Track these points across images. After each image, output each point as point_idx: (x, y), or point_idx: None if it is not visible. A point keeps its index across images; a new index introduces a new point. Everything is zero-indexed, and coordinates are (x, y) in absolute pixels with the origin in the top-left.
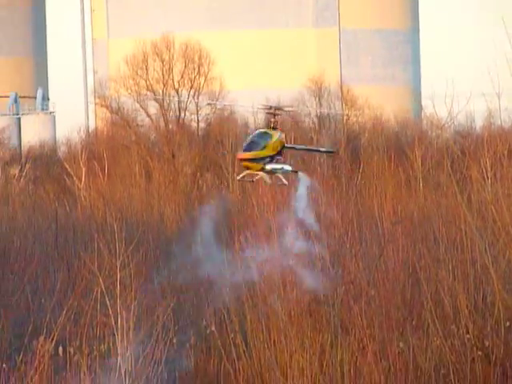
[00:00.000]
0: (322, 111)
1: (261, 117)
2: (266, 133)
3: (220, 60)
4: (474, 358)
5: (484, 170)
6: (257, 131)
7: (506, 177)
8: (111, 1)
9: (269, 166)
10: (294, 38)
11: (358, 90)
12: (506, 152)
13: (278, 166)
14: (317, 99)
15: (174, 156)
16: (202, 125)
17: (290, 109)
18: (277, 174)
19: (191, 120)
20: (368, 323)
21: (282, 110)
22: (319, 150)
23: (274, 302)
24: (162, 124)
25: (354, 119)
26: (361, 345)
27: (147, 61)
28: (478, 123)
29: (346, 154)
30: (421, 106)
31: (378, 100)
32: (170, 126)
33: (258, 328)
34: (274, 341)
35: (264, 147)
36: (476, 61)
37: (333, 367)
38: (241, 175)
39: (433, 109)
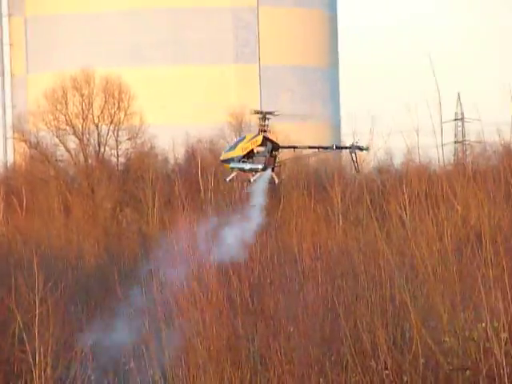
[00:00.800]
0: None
1: (180, 151)
2: (243, 137)
3: (140, 95)
4: None
5: (403, 207)
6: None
7: (423, 213)
8: (30, 35)
9: (237, 166)
10: (214, 73)
11: (278, 127)
12: (424, 188)
13: (246, 166)
14: (237, 134)
15: (93, 191)
16: (121, 160)
17: (278, 113)
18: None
19: (111, 155)
20: (287, 359)
21: (271, 114)
22: (322, 147)
23: (193, 337)
24: (82, 159)
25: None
26: (280, 381)
27: (66, 95)
28: (397, 160)
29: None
30: (340, 142)
31: (298, 136)
32: (90, 161)
33: (177, 364)
34: (194, 376)
35: (234, 149)
36: (395, 98)
37: None
38: (229, 177)
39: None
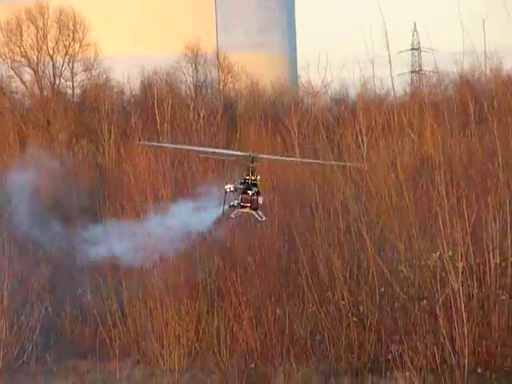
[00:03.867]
0: (199, 78)
1: (136, 83)
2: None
3: (95, 26)
4: (349, 324)
5: (359, 138)
6: None
7: (379, 144)
8: None
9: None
10: (170, 4)
11: (234, 57)
12: (380, 120)
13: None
14: (193, 66)
15: (49, 123)
16: (77, 91)
17: (267, 156)
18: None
19: (66, 87)
20: (244, 290)
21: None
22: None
23: (150, 269)
24: (37, 91)
25: (231, 86)
26: (236, 312)
27: (21, 27)
28: (353, 91)
29: (223, 122)
30: (297, 73)
31: (255, 67)
32: (45, 93)
33: (134, 296)
34: (151, 309)
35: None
36: (351, 29)
37: (209, 334)
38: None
39: (308, 77)
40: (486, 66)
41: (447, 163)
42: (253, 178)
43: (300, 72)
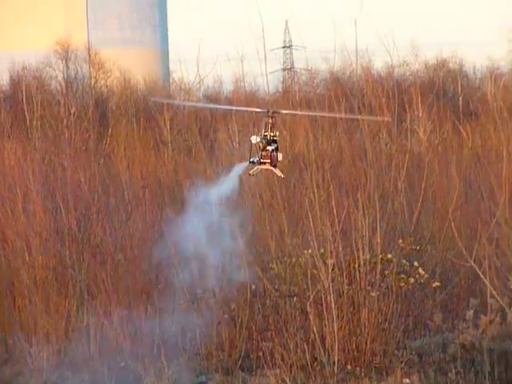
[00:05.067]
0: (69, 74)
1: (5, 78)
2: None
3: None
4: (220, 321)
5: (232, 134)
6: None
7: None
8: None
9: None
10: None
11: (105, 53)
12: (252, 116)
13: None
14: (64, 62)
15: None
16: None
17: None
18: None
19: None
20: (114, 288)
21: (277, 112)
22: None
23: (19, 266)
24: None
25: (103, 82)
26: (107, 310)
27: None
28: (226, 87)
29: (94, 118)
30: (169, 69)
31: (127, 63)
32: None
33: (1, 293)
34: (19, 306)
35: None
36: (225, 26)
37: (78, 332)
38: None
39: (181, 72)
40: (357, 64)
41: (318, 160)
42: (272, 134)
43: (172, 68)
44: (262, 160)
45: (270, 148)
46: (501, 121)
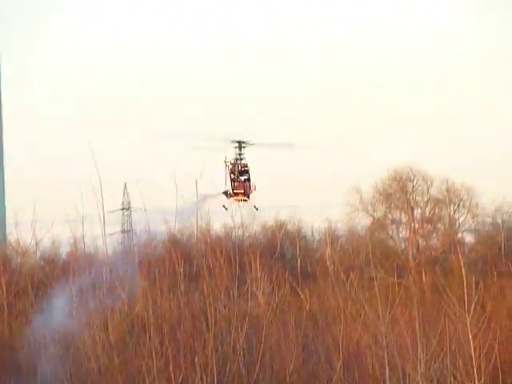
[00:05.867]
0: None
1: None
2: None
3: None
4: None
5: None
6: None
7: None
8: None
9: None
10: None
11: None
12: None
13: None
14: None
15: None
16: None
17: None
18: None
19: None
20: None
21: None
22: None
23: None
24: None
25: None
26: None
27: None
28: (64, 249)
29: None
30: (5, 232)
31: None
32: None
33: None
34: None
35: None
36: (63, 189)
37: None
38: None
39: (17, 235)
40: (197, 229)
41: (157, 323)
42: (242, 164)
43: (9, 230)
44: (235, 190)
45: (242, 178)
46: (337, 282)
